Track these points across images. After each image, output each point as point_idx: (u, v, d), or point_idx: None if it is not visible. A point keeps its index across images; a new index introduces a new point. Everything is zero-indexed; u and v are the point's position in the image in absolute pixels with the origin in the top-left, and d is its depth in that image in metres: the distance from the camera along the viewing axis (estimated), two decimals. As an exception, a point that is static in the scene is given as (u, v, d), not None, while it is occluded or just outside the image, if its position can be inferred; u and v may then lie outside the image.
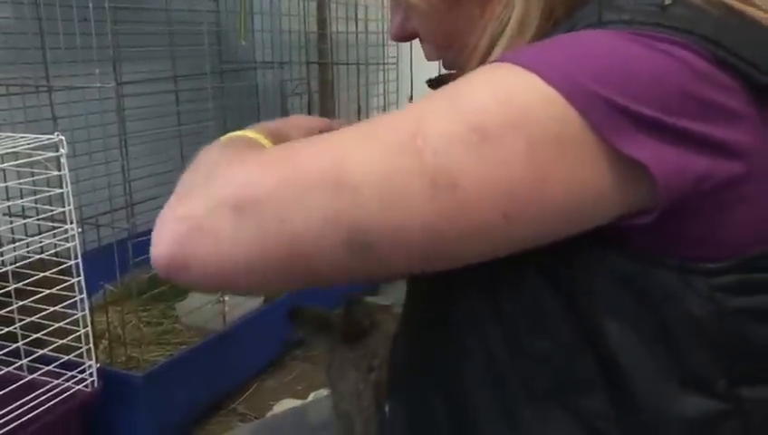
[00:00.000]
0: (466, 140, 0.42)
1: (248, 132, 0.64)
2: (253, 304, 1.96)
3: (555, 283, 0.47)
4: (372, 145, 0.44)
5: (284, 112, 2.46)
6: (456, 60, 0.61)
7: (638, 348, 0.46)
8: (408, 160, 0.43)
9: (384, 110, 2.42)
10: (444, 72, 0.67)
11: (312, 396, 1.75)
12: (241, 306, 1.90)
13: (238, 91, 2.37)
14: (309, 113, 2.45)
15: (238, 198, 0.45)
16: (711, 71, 0.43)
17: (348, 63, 2.30)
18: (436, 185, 0.42)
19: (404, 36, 0.64)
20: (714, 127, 0.43)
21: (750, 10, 0.47)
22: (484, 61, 0.55)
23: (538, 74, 0.43)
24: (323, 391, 1.71)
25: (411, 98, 2.30)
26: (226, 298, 1.81)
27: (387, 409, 0.64)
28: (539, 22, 0.52)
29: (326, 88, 2.29)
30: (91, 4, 1.56)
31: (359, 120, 2.36)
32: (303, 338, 0.77)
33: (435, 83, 0.68)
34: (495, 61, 0.47)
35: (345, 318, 0.71)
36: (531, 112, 0.43)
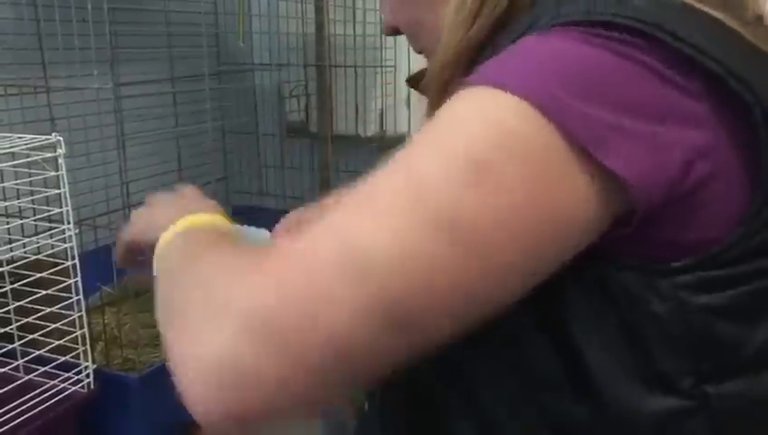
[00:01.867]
0: (464, 179, 0.41)
1: (203, 215, 0.61)
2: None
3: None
4: (376, 218, 0.42)
5: (282, 114, 2.46)
6: (424, 45, 0.63)
7: (604, 349, 0.46)
8: (415, 220, 0.41)
9: (382, 113, 2.42)
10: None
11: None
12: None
13: (236, 92, 2.37)
14: (307, 115, 2.46)
15: (262, 323, 0.41)
16: (672, 70, 0.43)
17: (346, 66, 2.30)
18: (451, 232, 0.40)
19: (391, 30, 0.66)
20: (681, 128, 0.43)
21: (705, 8, 0.47)
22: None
23: (508, 90, 0.43)
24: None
25: (408, 100, 2.30)
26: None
27: (366, 405, 0.64)
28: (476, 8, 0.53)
29: (324, 90, 2.29)
30: (89, 5, 1.56)
31: (356, 122, 2.38)
32: None
33: (411, 81, 0.68)
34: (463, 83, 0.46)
35: None
36: (512, 132, 0.42)
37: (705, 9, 0.47)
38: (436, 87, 0.57)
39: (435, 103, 0.56)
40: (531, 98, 0.42)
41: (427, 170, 0.42)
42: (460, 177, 0.41)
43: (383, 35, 2.24)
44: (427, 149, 0.44)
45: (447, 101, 0.46)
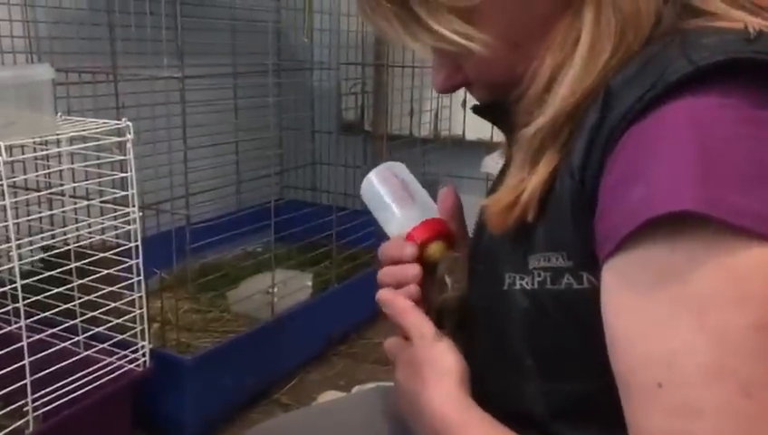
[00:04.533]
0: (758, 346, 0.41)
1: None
2: (301, 296, 2.00)
3: None
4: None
5: (339, 111, 2.49)
6: (509, 92, 0.59)
7: None
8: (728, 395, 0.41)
9: (437, 113, 2.43)
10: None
11: (355, 390, 1.76)
12: (289, 298, 1.93)
13: (295, 87, 2.41)
14: (362, 113, 2.48)
15: None
16: None
17: (403, 66, 2.32)
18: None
19: (453, 88, 0.63)
20: None
21: None
22: (547, 89, 0.54)
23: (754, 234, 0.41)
24: (367, 386, 1.73)
25: (465, 102, 2.30)
26: (275, 289, 1.84)
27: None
28: (612, 47, 0.51)
29: (381, 89, 2.31)
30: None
31: (411, 121, 2.39)
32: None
33: (481, 111, 0.67)
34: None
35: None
36: None
37: None
38: (545, 136, 0.53)
39: (538, 149, 0.54)
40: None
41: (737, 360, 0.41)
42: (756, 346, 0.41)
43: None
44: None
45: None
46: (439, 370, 0.61)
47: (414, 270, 0.68)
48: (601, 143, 0.48)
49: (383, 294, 0.68)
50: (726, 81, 0.44)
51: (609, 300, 0.46)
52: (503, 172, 0.66)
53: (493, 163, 1.78)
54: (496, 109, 0.63)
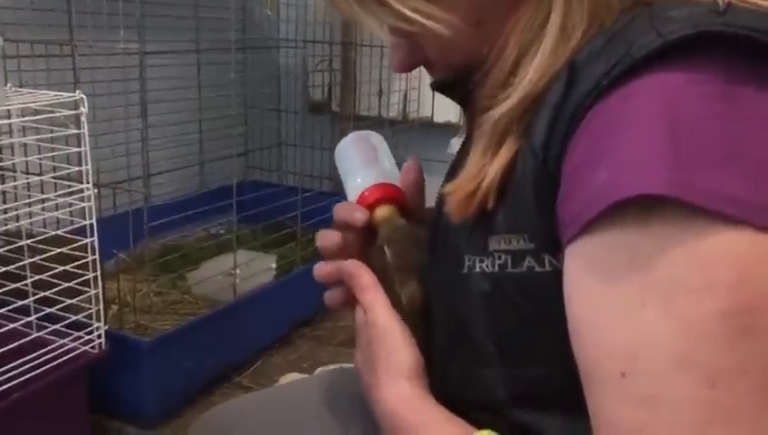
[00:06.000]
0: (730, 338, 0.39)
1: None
2: (265, 277, 1.96)
3: None
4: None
5: (305, 87, 2.45)
6: (472, 73, 0.56)
7: None
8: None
9: (406, 95, 2.40)
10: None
11: (317, 371, 1.74)
12: (252, 279, 1.90)
13: (260, 64, 2.36)
14: (330, 93, 2.45)
15: None
16: None
17: (372, 45, 2.29)
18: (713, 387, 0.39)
19: (411, 67, 0.61)
20: None
21: None
22: (512, 72, 0.51)
23: (731, 220, 0.39)
24: (330, 367, 1.71)
25: (435, 80, 2.28)
26: (238, 271, 1.81)
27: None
28: (585, 26, 0.48)
29: (348, 67, 2.28)
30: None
31: (379, 101, 2.36)
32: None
33: (440, 86, 0.64)
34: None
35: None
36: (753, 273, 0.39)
37: None
38: (510, 120, 0.51)
39: (502, 134, 0.51)
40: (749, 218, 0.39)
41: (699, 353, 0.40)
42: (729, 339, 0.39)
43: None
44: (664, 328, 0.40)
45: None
46: (392, 367, 0.59)
47: (337, 238, 0.67)
48: (565, 121, 0.45)
49: (345, 265, 0.66)
50: (696, 55, 0.42)
51: (572, 286, 0.45)
52: (462, 150, 0.64)
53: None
54: (457, 86, 0.60)
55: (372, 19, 0.54)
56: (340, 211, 0.68)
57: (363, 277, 0.64)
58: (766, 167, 0.40)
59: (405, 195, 0.69)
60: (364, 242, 0.67)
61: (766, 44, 0.41)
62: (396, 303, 0.63)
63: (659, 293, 0.40)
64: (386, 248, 0.64)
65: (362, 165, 0.71)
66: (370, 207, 0.67)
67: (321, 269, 0.68)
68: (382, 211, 0.67)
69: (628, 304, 0.41)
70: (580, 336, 0.44)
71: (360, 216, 0.66)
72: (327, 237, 0.68)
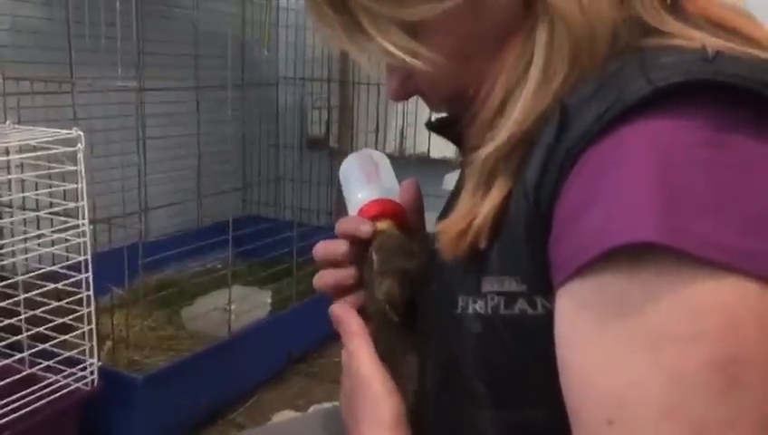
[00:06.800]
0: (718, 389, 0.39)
1: None
2: (260, 313, 1.96)
3: None
4: None
5: (303, 127, 2.47)
6: (464, 112, 0.57)
7: None
8: None
9: (402, 131, 2.42)
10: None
11: (312, 410, 1.73)
12: (247, 315, 1.89)
13: (259, 103, 2.39)
14: (328, 130, 2.47)
15: None
16: None
17: (369, 83, 2.31)
18: None
19: (405, 96, 0.61)
20: None
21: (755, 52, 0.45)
22: (499, 113, 0.52)
23: (722, 267, 0.39)
24: (324, 405, 1.70)
25: (430, 120, 2.30)
26: (233, 306, 1.80)
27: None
28: (566, 70, 0.49)
29: (346, 105, 2.30)
30: (117, 7, 1.58)
31: (376, 138, 2.38)
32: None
33: (435, 126, 0.65)
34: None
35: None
36: (741, 323, 0.39)
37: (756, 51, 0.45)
38: (497, 161, 0.51)
39: (490, 174, 0.52)
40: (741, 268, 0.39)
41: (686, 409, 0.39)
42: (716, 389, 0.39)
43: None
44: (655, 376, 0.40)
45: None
46: (374, 418, 0.60)
47: (344, 247, 0.67)
48: (557, 164, 0.46)
49: (335, 309, 0.67)
50: (685, 102, 0.42)
51: (562, 330, 0.44)
52: (456, 190, 0.64)
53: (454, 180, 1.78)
54: (452, 126, 0.61)
55: (361, 53, 0.55)
56: (344, 224, 0.68)
57: (351, 324, 0.64)
58: (755, 213, 0.40)
59: (404, 212, 0.70)
60: (358, 258, 0.68)
61: (754, 92, 0.41)
62: (379, 308, 0.63)
63: (648, 341, 0.40)
64: (373, 255, 0.65)
65: (364, 181, 0.72)
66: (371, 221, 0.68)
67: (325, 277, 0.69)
68: (381, 225, 0.67)
69: (617, 352, 0.41)
70: (569, 381, 0.44)
71: (366, 228, 0.66)
72: (330, 247, 0.68)
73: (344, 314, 0.65)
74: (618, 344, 0.41)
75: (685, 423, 0.39)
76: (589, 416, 0.42)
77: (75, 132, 1.34)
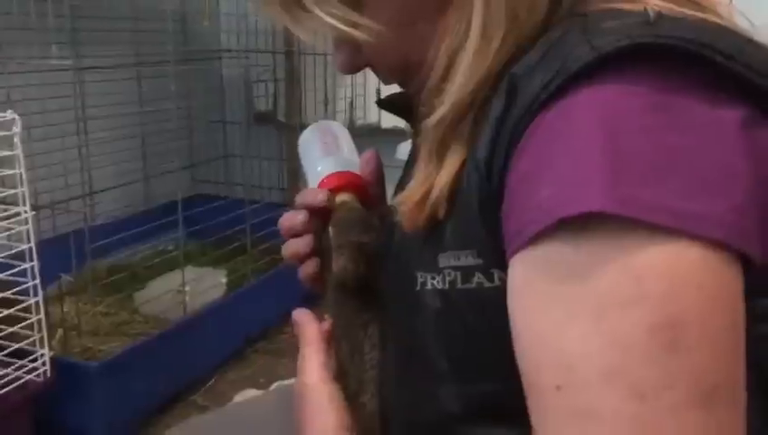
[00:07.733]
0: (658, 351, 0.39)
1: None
2: (215, 293, 1.93)
3: None
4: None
5: (249, 99, 2.42)
6: (412, 81, 0.57)
7: None
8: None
9: (352, 102, 2.39)
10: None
11: (274, 386, 1.71)
12: (202, 296, 1.86)
13: (202, 75, 2.32)
14: (275, 103, 2.42)
15: None
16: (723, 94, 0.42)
17: (315, 54, 2.27)
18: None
19: (355, 69, 0.61)
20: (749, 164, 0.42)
21: (710, 16, 0.45)
22: (444, 78, 0.51)
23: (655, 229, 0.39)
24: (287, 382, 1.69)
25: (379, 92, 2.27)
26: (187, 288, 1.77)
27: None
28: (505, 27, 0.48)
29: (292, 77, 2.26)
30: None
31: (325, 109, 2.35)
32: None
33: (385, 104, 0.65)
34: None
35: None
36: (683, 286, 0.39)
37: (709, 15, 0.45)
38: (447, 127, 0.51)
39: (442, 142, 0.51)
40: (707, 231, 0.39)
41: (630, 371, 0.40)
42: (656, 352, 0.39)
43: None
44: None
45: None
46: (318, 428, 0.61)
47: (301, 216, 0.67)
48: (506, 135, 0.45)
49: (295, 314, 0.68)
50: (629, 67, 0.42)
51: (513, 299, 0.45)
52: (409, 162, 0.64)
53: (408, 150, 1.77)
54: (400, 102, 0.61)
55: (300, 26, 0.54)
56: (302, 196, 0.69)
57: (308, 332, 0.66)
58: (702, 176, 0.40)
59: (365, 184, 0.69)
60: (319, 230, 0.68)
61: (696, 54, 0.41)
62: (337, 281, 0.64)
63: (594, 307, 0.40)
64: (330, 228, 0.65)
65: (322, 154, 0.71)
66: (331, 193, 0.67)
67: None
68: (341, 197, 0.67)
69: (566, 318, 0.41)
70: (521, 349, 0.44)
71: (321, 196, 0.66)
72: (291, 217, 0.68)
73: (303, 319, 0.67)
74: (566, 311, 0.41)
75: (624, 386, 0.39)
76: (538, 381, 0.42)
77: (10, 115, 1.28)
